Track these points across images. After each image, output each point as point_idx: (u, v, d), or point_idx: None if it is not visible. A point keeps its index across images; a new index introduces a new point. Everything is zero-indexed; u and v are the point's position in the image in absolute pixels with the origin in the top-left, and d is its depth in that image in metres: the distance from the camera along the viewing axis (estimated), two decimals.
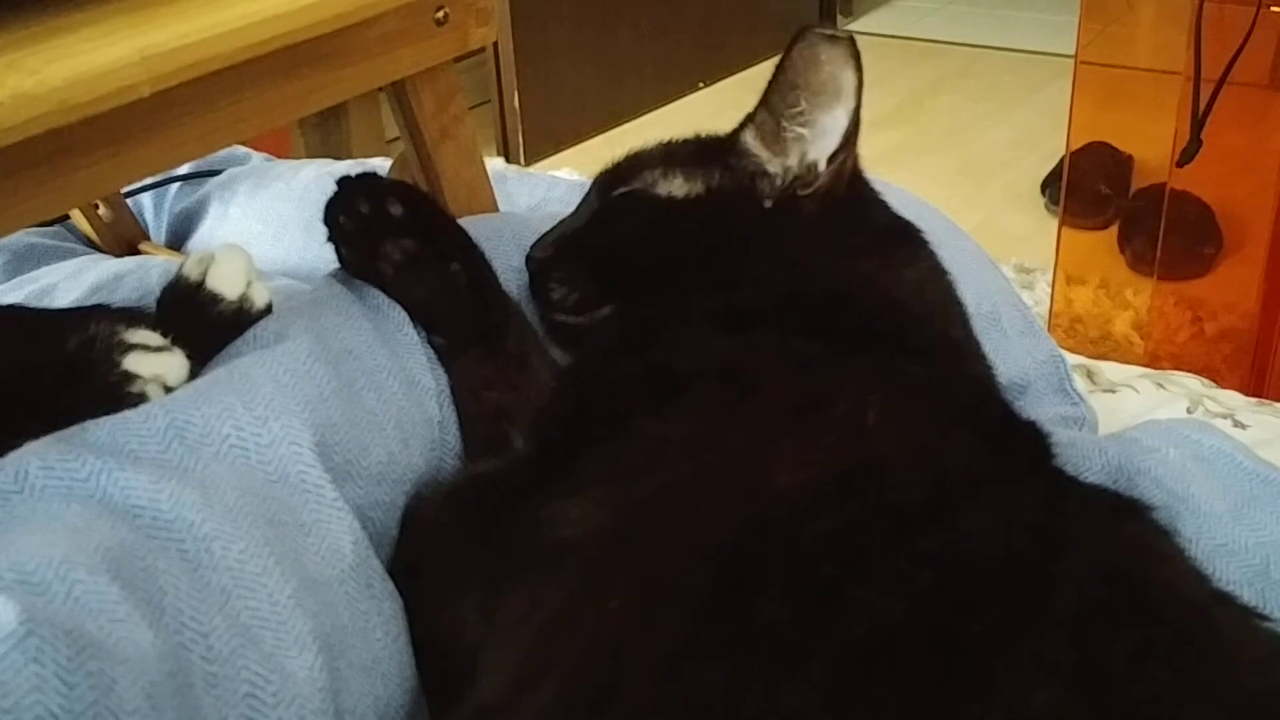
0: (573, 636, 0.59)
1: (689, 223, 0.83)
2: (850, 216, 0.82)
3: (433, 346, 0.83)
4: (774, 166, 0.81)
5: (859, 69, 0.76)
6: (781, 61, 0.78)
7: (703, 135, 0.87)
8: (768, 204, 0.81)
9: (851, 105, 0.77)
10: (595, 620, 0.59)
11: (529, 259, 0.88)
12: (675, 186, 0.83)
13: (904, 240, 0.85)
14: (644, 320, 0.80)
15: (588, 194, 0.90)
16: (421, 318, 0.83)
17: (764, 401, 0.68)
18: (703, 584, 0.58)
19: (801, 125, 0.79)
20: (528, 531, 0.66)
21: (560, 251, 0.87)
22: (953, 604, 0.56)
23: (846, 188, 0.81)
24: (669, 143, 0.88)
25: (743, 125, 0.82)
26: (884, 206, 0.86)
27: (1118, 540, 0.64)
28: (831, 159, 0.79)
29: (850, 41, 0.75)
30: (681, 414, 0.68)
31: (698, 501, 0.63)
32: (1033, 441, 0.73)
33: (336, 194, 0.81)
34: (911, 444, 0.65)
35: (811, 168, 0.80)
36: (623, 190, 0.86)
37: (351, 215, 0.81)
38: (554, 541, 0.64)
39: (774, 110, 0.80)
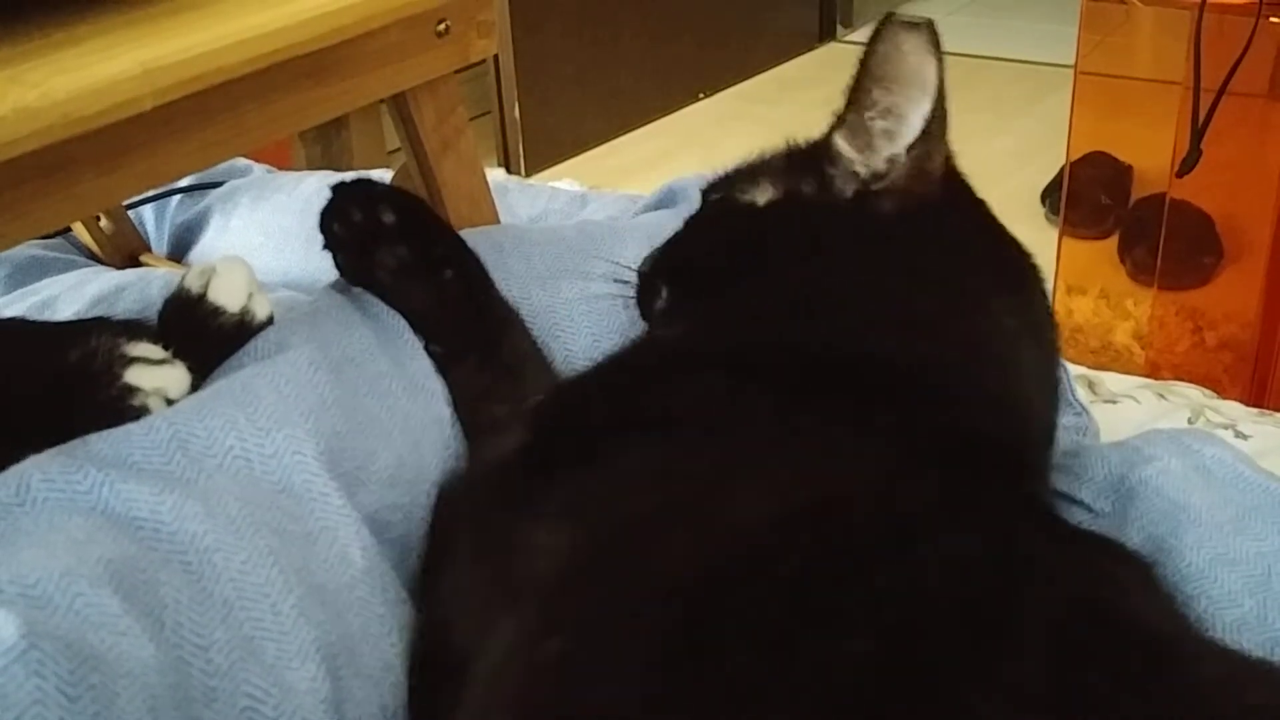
0: (513, 678, 0.58)
1: (763, 228, 0.80)
2: (935, 222, 0.76)
3: (430, 355, 0.83)
4: (861, 167, 0.77)
5: (940, 57, 0.72)
6: (864, 54, 0.74)
7: (800, 142, 0.83)
8: (846, 197, 0.77)
9: (933, 94, 0.73)
10: (534, 663, 0.57)
11: (638, 271, 0.86)
12: (758, 194, 0.81)
13: (991, 265, 0.78)
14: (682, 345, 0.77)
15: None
16: (418, 325, 0.83)
17: (739, 442, 0.66)
18: (655, 627, 0.56)
19: (885, 119, 0.75)
20: (503, 555, 0.65)
21: (657, 261, 0.86)
22: (919, 639, 0.55)
23: (942, 194, 0.76)
24: (774, 150, 0.84)
25: (833, 127, 0.78)
26: (981, 222, 0.80)
27: (1085, 574, 0.64)
28: (910, 149, 0.74)
29: (930, 28, 0.72)
30: (661, 445, 0.66)
31: (657, 539, 0.61)
32: (1015, 479, 0.71)
33: (330, 201, 0.82)
34: (876, 482, 0.63)
35: (893, 161, 0.76)
36: (715, 197, 0.85)
37: (344, 223, 0.81)
38: (522, 572, 0.63)
39: (860, 106, 0.76)
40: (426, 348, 0.83)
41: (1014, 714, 0.52)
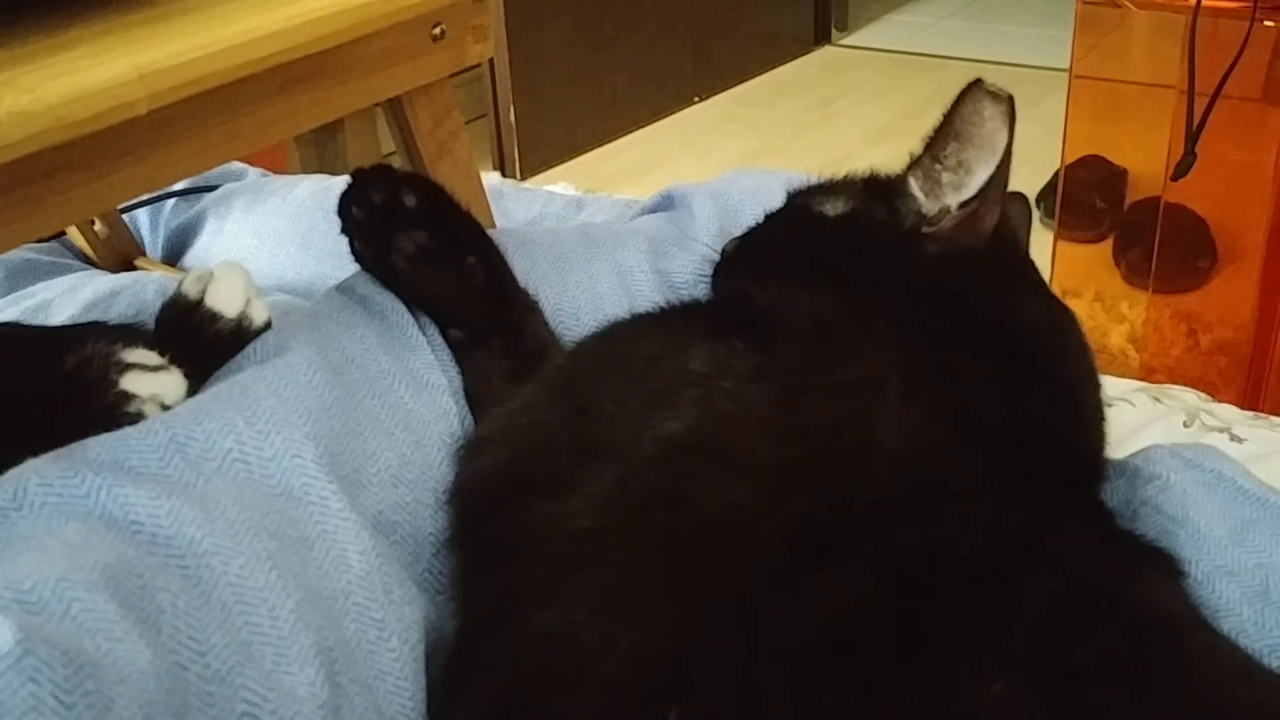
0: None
1: (828, 237, 0.86)
2: (974, 269, 0.81)
3: (448, 341, 0.83)
4: (927, 208, 0.82)
5: (1012, 129, 0.77)
6: (949, 110, 0.80)
7: (879, 172, 0.89)
8: (899, 231, 0.82)
9: (996, 160, 0.78)
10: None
11: (723, 251, 0.93)
12: (830, 207, 0.87)
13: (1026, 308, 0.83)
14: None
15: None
16: (436, 311, 0.83)
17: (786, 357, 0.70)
18: (663, 561, 0.60)
19: (953, 172, 0.80)
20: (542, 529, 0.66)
21: (739, 246, 0.91)
22: (919, 597, 0.58)
23: (987, 246, 0.81)
24: (854, 173, 0.91)
25: (909, 166, 0.84)
26: (1016, 276, 0.85)
27: (1106, 563, 0.66)
28: (963, 205, 0.80)
29: (1010, 101, 0.77)
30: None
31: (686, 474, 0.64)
32: (1068, 468, 0.73)
33: (350, 185, 0.82)
34: (916, 437, 0.66)
35: (946, 210, 0.81)
36: (796, 202, 0.91)
37: (364, 206, 0.82)
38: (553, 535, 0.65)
39: (934, 154, 0.81)
40: (445, 334, 0.83)
41: (990, 680, 0.55)
